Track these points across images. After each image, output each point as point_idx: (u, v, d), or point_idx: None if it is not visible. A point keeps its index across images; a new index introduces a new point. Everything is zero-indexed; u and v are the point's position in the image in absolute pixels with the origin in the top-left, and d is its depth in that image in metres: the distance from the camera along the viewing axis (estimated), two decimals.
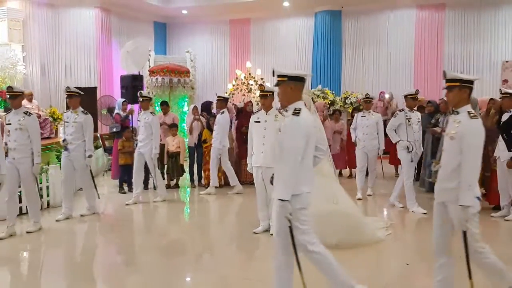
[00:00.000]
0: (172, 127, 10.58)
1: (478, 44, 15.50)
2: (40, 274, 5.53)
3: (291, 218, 3.76)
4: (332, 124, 11.42)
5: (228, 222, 8.25)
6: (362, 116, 9.52)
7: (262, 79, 16.69)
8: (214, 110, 12.22)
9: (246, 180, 10.23)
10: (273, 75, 4.10)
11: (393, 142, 8.47)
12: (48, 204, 8.50)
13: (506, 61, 14.89)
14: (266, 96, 6.68)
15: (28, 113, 6.82)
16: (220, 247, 6.52)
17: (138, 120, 9.23)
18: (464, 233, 3.82)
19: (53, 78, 15.44)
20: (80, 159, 7.78)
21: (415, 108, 8.50)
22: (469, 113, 3.89)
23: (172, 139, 10.47)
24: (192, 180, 10.80)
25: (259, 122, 6.70)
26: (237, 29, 18.43)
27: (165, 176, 10.65)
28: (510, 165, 7.25)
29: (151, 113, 9.06)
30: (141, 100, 9.22)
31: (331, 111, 12.83)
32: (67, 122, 7.84)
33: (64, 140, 7.85)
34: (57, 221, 7.58)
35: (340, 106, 15.50)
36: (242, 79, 17.03)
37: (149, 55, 15.54)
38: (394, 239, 6.74)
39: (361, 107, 9.81)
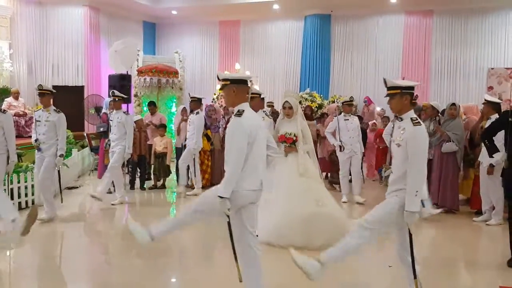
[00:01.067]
0: (160, 128, 10.59)
1: (464, 51, 15.66)
2: (16, 275, 5.50)
3: (229, 214, 3.99)
4: (320, 128, 11.36)
5: (214, 222, 8.22)
6: (345, 120, 9.21)
7: (251, 81, 16.70)
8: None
9: None
10: (218, 79, 4.29)
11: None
12: (33, 203, 8.41)
13: (492, 68, 15.06)
14: (253, 98, 6.72)
15: (3, 111, 6.75)
16: (206, 247, 6.53)
17: (111, 120, 9.05)
18: (410, 236, 3.95)
19: (40, 76, 15.34)
20: (52, 158, 7.47)
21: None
22: (412, 119, 3.96)
23: (159, 139, 10.47)
24: (178, 181, 10.77)
25: None
26: (227, 31, 18.45)
27: (152, 176, 10.67)
28: (489, 172, 7.34)
29: (124, 112, 8.92)
30: (113, 99, 9.03)
31: (319, 115, 12.83)
32: (39, 121, 7.54)
33: (36, 140, 7.52)
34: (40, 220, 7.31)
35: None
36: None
37: (138, 54, 15.49)
38: (378, 242, 6.77)
39: (341, 110, 9.50)
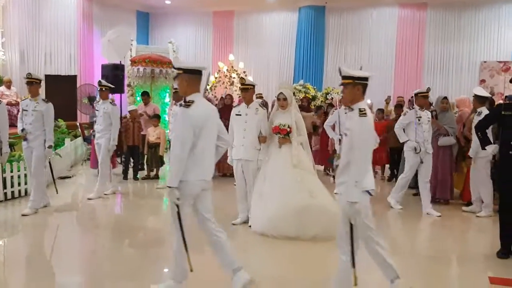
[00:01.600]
0: (154, 118, 10.58)
1: (458, 44, 15.74)
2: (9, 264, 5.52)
3: (179, 203, 4.04)
4: (316, 120, 11.34)
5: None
6: (346, 113, 9.14)
7: (244, 72, 16.71)
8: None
9: (226, 172, 10.29)
10: (173, 68, 4.38)
11: (401, 141, 8.11)
12: (26, 192, 8.39)
13: (484, 62, 15.14)
14: (247, 89, 6.72)
15: None
16: (198, 238, 6.54)
17: (97, 110, 8.83)
18: (351, 226, 3.94)
19: (33, 65, 15.24)
20: (40, 149, 7.28)
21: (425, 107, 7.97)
22: (360, 110, 3.92)
23: (153, 129, 10.46)
24: None
25: (240, 115, 6.72)
26: (221, 21, 18.40)
27: (145, 166, 10.69)
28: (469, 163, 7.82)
29: (110, 102, 8.70)
30: (100, 89, 8.78)
31: (315, 108, 12.75)
32: (26, 110, 7.30)
33: (23, 130, 7.29)
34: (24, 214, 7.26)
35: (321, 101, 15.56)
36: (224, 72, 17.03)
37: (131, 44, 15.42)
38: None
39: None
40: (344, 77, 4.04)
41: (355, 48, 16.82)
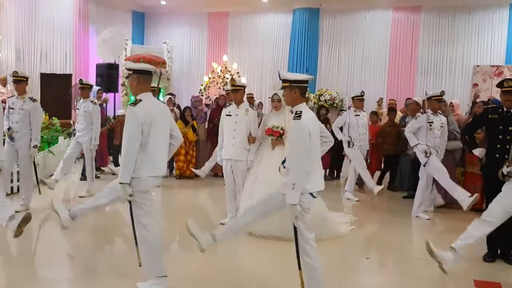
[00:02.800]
0: None
1: (451, 48, 15.81)
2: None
3: (131, 199, 4.25)
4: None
5: (196, 212, 8.32)
6: (356, 115, 8.90)
7: (238, 73, 16.78)
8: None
9: (218, 172, 10.35)
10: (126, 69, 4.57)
11: (411, 145, 7.91)
12: (19, 189, 8.41)
13: (477, 66, 15.23)
14: (237, 90, 6.80)
15: None
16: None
17: (77, 109, 8.72)
18: (295, 228, 4.08)
19: (28, 64, 15.24)
20: (26, 148, 7.21)
21: (440, 111, 7.78)
22: (295, 113, 4.03)
23: None
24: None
25: (230, 115, 6.80)
26: (215, 22, 18.44)
27: None
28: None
29: (91, 101, 8.55)
30: (81, 88, 8.61)
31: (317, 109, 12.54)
32: (13, 108, 7.15)
33: (9, 129, 7.10)
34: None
35: (314, 103, 15.63)
36: (218, 72, 17.10)
37: (126, 44, 15.49)
38: (357, 234, 6.92)
39: (343, 106, 9.35)
40: (282, 81, 4.18)
41: (349, 50, 16.87)
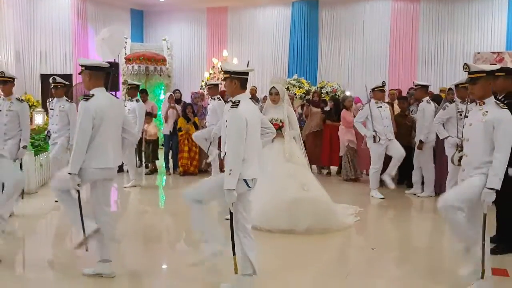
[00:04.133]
0: (146, 116, 10.76)
1: (451, 36, 15.74)
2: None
3: (79, 189, 4.44)
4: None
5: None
6: (378, 107, 8.47)
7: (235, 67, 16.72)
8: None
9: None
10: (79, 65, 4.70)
11: (441, 138, 7.68)
12: (22, 191, 8.40)
13: (478, 52, 15.16)
14: None
15: None
16: (192, 233, 6.61)
17: (51, 109, 8.17)
18: (231, 214, 4.20)
19: (28, 65, 15.23)
20: (15, 149, 6.90)
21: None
22: (233, 102, 4.15)
23: (146, 126, 10.68)
24: (167, 167, 10.91)
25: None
26: (214, 18, 18.39)
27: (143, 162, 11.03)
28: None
29: (67, 100, 8.06)
30: (54, 87, 8.07)
31: (304, 102, 12.48)
32: (0, 110, 6.92)
33: None
34: None
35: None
36: (219, 68, 17.06)
37: (125, 42, 15.46)
38: (363, 225, 6.93)
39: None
40: (224, 72, 4.29)
41: (349, 41, 16.81)
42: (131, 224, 7.11)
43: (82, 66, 4.64)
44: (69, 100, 7.61)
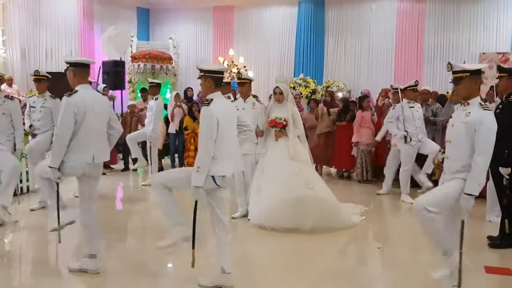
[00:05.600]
0: None
1: (457, 36, 15.71)
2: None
3: (59, 181, 4.59)
4: (310, 116, 10.81)
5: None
6: (410, 107, 8.16)
7: (245, 67, 16.77)
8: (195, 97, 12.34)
9: None
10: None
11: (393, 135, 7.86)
12: (28, 189, 8.46)
13: (483, 53, 15.13)
14: (243, 84, 6.83)
15: (10, 97, 6.80)
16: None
17: (32, 106, 7.51)
18: (195, 210, 4.28)
19: (34, 63, 15.22)
20: (47, 145, 7.24)
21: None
22: (206, 100, 4.26)
23: None
24: (173, 166, 10.96)
25: (237, 109, 6.81)
26: (221, 16, 18.41)
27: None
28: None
29: (50, 96, 7.50)
30: (37, 80, 7.45)
31: (308, 101, 12.10)
32: (34, 107, 7.32)
33: (30, 126, 7.29)
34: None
35: (322, 94, 15.60)
36: (225, 67, 17.05)
37: (132, 41, 15.52)
38: (368, 224, 6.93)
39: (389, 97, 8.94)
40: (199, 70, 4.35)
41: (355, 41, 16.79)
42: (138, 221, 7.14)
43: (67, 63, 4.74)
44: (53, 96, 7.31)
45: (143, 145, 9.95)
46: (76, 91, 4.59)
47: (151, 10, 19.14)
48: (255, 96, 7.10)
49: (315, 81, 16.15)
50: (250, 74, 15.00)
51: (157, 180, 4.49)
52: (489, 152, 3.89)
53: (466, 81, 3.99)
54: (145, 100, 11.41)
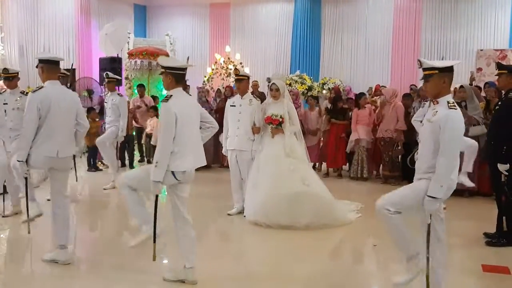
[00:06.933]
0: (151, 109, 10.85)
1: (454, 32, 15.75)
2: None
3: (27, 175, 4.77)
4: (308, 114, 10.45)
5: (203, 204, 8.33)
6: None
7: (241, 63, 16.75)
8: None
9: (224, 162, 10.31)
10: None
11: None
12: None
13: (481, 50, 15.15)
14: (241, 80, 6.82)
15: (25, 93, 6.84)
16: (195, 227, 6.63)
17: (105, 102, 8.98)
18: (155, 203, 4.33)
19: (32, 59, 15.24)
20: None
21: None
22: (166, 96, 4.33)
23: (149, 120, 10.76)
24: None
25: (234, 106, 6.83)
26: (217, 13, 18.41)
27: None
28: None
29: (118, 94, 8.80)
30: (108, 81, 8.88)
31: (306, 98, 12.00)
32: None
33: None
34: None
35: (318, 91, 15.61)
36: (221, 63, 17.07)
37: (129, 37, 15.49)
38: (364, 222, 6.92)
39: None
40: (161, 67, 4.43)
41: (351, 38, 16.83)
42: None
43: (38, 60, 4.93)
44: (25, 93, 6.76)
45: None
46: (42, 87, 4.78)
47: (148, 6, 19.14)
48: (261, 93, 7.06)
49: (311, 77, 16.16)
50: (246, 71, 14.98)
51: (121, 181, 4.54)
52: (453, 154, 3.70)
53: (435, 78, 3.80)
54: (141, 96, 11.41)
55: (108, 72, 9.09)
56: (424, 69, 3.86)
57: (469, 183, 7.43)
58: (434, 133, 3.74)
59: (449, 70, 3.85)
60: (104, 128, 8.98)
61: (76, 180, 8.45)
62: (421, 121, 7.30)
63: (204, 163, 4.61)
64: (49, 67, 4.89)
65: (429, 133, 3.80)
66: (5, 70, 6.79)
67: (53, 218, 4.91)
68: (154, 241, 4.35)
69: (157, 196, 4.30)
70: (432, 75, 3.81)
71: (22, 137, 4.74)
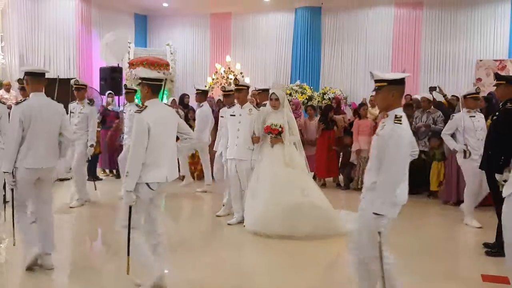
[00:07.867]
0: None
1: (454, 43, 15.80)
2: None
3: (13, 186, 4.79)
4: (308, 123, 10.48)
5: (204, 213, 8.35)
6: (471, 116, 7.09)
7: (241, 73, 16.80)
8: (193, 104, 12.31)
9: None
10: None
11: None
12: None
13: (480, 60, 15.19)
14: (240, 90, 6.84)
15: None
16: (195, 237, 6.64)
17: (124, 112, 9.02)
18: (129, 213, 4.25)
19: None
20: (83, 147, 7.85)
21: None
22: (139, 107, 4.45)
23: None
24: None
25: (234, 115, 6.84)
26: (218, 23, 18.48)
27: None
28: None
29: (136, 105, 8.57)
30: (126, 92, 9.04)
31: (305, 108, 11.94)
32: (73, 113, 7.88)
33: None
34: None
35: (318, 101, 15.63)
36: (221, 73, 17.12)
37: (129, 47, 15.55)
38: None
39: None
40: (139, 78, 4.54)
41: (351, 48, 16.89)
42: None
43: (24, 72, 5.01)
44: (91, 103, 8.05)
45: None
46: (25, 99, 4.87)
47: (148, 16, 19.21)
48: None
49: (311, 87, 16.19)
50: (247, 81, 15.02)
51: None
52: (394, 170, 3.51)
53: (384, 91, 3.65)
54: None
55: (126, 84, 9.25)
56: (375, 81, 3.72)
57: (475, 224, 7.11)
58: (378, 148, 3.62)
59: (398, 82, 3.71)
60: (123, 137, 8.95)
61: (95, 189, 8.78)
62: (451, 135, 7.37)
63: (176, 176, 4.64)
64: (34, 79, 4.95)
65: (375, 147, 3.69)
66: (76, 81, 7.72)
67: (37, 225, 4.98)
68: (128, 254, 4.31)
69: (130, 207, 4.23)
70: (381, 87, 3.67)
71: (6, 149, 4.81)
